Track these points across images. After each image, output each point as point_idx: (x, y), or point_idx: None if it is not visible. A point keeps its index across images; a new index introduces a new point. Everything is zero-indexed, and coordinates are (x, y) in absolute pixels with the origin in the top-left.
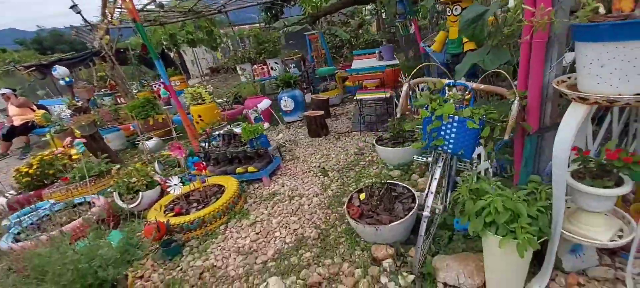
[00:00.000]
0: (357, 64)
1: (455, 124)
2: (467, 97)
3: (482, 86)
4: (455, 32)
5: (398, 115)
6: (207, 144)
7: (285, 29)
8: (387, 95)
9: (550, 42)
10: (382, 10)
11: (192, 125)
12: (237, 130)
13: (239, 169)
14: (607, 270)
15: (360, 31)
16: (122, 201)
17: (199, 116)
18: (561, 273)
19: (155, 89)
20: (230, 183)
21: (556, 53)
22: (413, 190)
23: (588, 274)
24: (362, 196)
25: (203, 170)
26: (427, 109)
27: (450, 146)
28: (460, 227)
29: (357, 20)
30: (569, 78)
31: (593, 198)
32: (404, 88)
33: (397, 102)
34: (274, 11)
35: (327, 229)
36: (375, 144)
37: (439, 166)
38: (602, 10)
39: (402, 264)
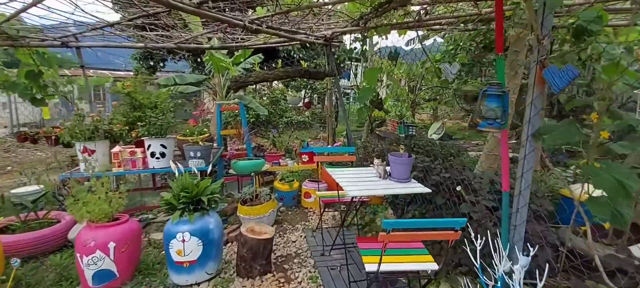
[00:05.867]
0: (342, 180)
1: None
2: None
3: None
4: None
5: None
6: None
7: (174, 87)
8: (434, 269)
9: None
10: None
11: None
12: None
13: None
14: None
15: (306, 112)
16: None
17: None
18: None
19: None
20: None
21: None
22: None
23: None
24: None
25: None
26: None
27: None
28: None
29: (300, 94)
30: None
31: None
32: None
33: None
34: (153, 61)
35: None
36: None
37: None
38: None
39: None
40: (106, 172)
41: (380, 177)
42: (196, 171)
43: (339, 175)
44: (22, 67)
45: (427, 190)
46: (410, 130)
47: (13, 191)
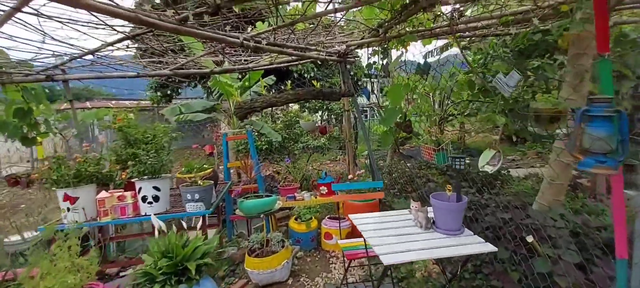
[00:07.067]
0: (371, 234)
1: None
2: None
3: None
4: None
5: None
6: None
7: (181, 116)
8: None
9: None
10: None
11: None
12: None
13: None
14: None
15: (322, 138)
16: None
17: None
18: None
19: None
20: None
21: None
22: None
23: None
24: None
25: None
26: None
27: None
28: None
29: (315, 116)
30: None
31: None
32: None
33: None
34: (169, 90)
35: None
36: None
37: None
38: None
39: None
40: (76, 225)
41: (421, 227)
42: (184, 225)
43: (366, 225)
44: (9, 104)
45: (493, 248)
46: (458, 163)
47: (11, 239)
